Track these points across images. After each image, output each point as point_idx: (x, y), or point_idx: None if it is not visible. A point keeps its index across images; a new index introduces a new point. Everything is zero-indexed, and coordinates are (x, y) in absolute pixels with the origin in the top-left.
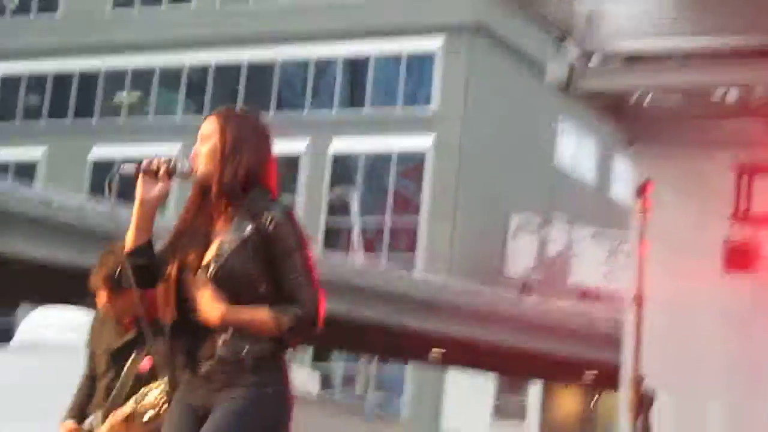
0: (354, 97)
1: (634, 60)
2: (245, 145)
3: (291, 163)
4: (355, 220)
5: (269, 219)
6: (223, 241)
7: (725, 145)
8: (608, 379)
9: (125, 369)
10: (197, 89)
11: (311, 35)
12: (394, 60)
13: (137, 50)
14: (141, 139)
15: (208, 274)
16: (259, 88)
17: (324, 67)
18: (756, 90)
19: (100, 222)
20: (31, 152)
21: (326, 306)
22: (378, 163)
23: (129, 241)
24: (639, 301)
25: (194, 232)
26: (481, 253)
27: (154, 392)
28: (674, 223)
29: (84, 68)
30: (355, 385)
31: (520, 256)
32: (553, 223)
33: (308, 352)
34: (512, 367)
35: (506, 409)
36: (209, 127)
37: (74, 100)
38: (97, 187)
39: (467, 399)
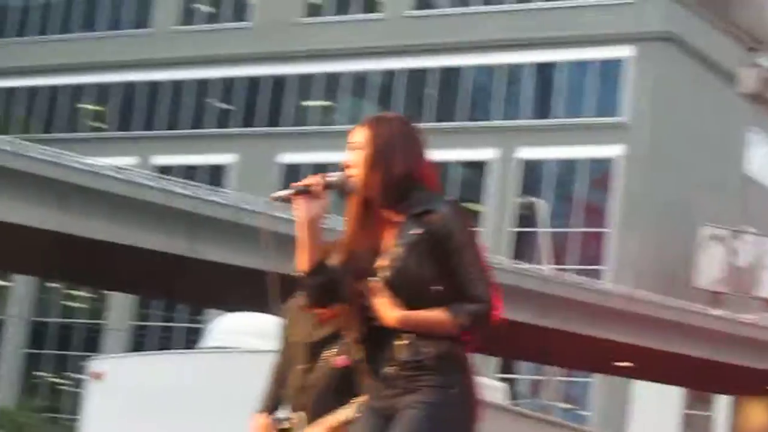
0: (543, 104)
1: None
2: (395, 150)
3: (478, 171)
4: (543, 229)
5: (437, 217)
6: (393, 246)
7: None
8: None
9: (320, 363)
10: (385, 96)
11: (500, 42)
12: (584, 68)
13: (326, 58)
14: (329, 146)
15: (383, 281)
16: (447, 95)
17: (513, 74)
18: None
19: (289, 228)
20: (222, 157)
21: (513, 314)
22: (566, 171)
23: (303, 261)
24: None
25: (363, 242)
26: (669, 264)
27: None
28: None
29: (274, 75)
30: (541, 396)
31: (709, 267)
32: (742, 234)
33: (493, 364)
34: (700, 379)
35: (693, 423)
36: (359, 136)
37: (264, 106)
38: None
39: (654, 412)
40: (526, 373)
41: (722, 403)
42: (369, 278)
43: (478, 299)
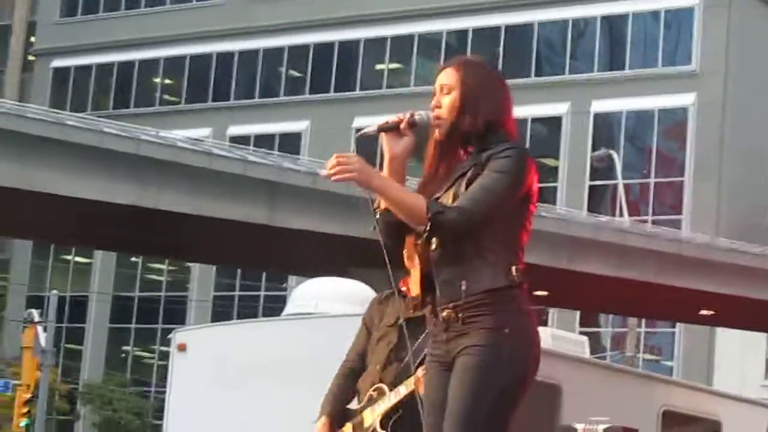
0: (613, 57)
1: None
2: (484, 94)
3: (552, 126)
4: (619, 181)
5: (496, 154)
6: (460, 182)
7: None
8: None
9: (419, 341)
10: (456, 55)
11: None
12: (653, 18)
13: (396, 20)
14: (402, 108)
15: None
16: (518, 51)
17: (582, 28)
18: None
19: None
20: (295, 125)
21: (593, 267)
22: (640, 123)
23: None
24: None
25: (437, 181)
26: (747, 210)
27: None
28: None
29: (343, 39)
30: (626, 347)
31: None
32: None
33: (575, 317)
34: None
35: None
36: (448, 78)
37: (335, 71)
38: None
39: (739, 359)
40: (608, 325)
41: None
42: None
43: (460, 210)
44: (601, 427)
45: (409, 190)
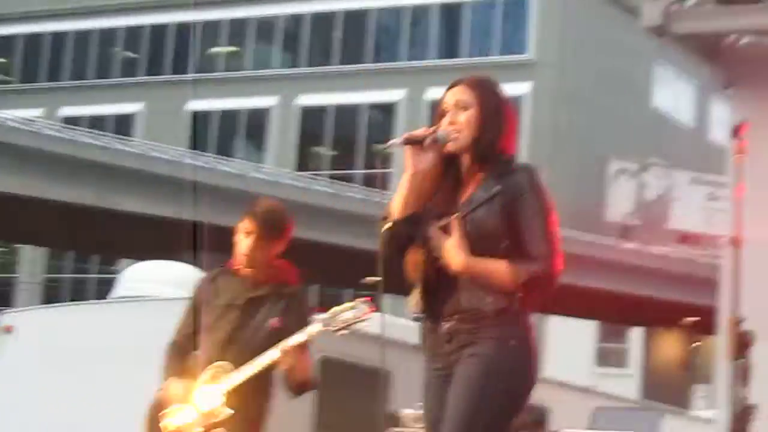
0: (449, 44)
1: (728, 1)
2: (500, 113)
3: (389, 112)
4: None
5: (516, 177)
6: (471, 197)
7: None
8: (709, 323)
9: (259, 322)
10: (291, 40)
11: None
12: (490, 7)
13: (232, 3)
14: (237, 92)
15: (453, 225)
16: (354, 37)
17: (419, 15)
18: None
19: (200, 174)
20: (129, 106)
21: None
22: None
23: (398, 209)
24: (736, 243)
25: (440, 197)
26: (580, 199)
27: (347, 313)
28: None
29: (180, 21)
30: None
31: (619, 201)
32: (651, 168)
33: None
34: (612, 313)
35: (607, 356)
36: (465, 96)
37: (170, 53)
38: (194, 140)
39: (568, 347)
40: None
41: (636, 336)
42: (443, 229)
43: (540, 260)
44: None
45: (491, 261)
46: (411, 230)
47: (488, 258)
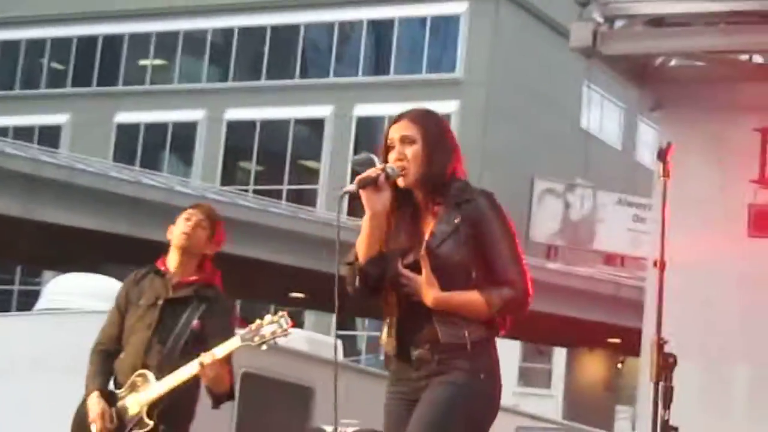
0: (379, 61)
1: (658, 23)
2: (443, 143)
3: (315, 128)
4: None
5: (474, 206)
6: (434, 231)
7: (750, 108)
8: (633, 344)
9: (182, 323)
10: (222, 55)
11: (334, 0)
12: (420, 24)
13: (161, 16)
14: (164, 105)
15: (423, 262)
16: (284, 53)
17: (348, 31)
18: None
19: (124, 188)
20: (56, 118)
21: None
22: None
23: (362, 252)
24: (660, 265)
25: (402, 232)
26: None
27: (269, 327)
28: (698, 187)
29: (108, 33)
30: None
31: (545, 220)
32: (577, 188)
33: (332, 320)
34: (537, 333)
35: (531, 375)
36: (408, 131)
37: (98, 65)
38: (121, 152)
39: None
40: (364, 329)
41: (559, 355)
42: (407, 265)
43: (511, 284)
44: (350, 429)
45: (464, 293)
46: (378, 270)
47: (461, 290)
